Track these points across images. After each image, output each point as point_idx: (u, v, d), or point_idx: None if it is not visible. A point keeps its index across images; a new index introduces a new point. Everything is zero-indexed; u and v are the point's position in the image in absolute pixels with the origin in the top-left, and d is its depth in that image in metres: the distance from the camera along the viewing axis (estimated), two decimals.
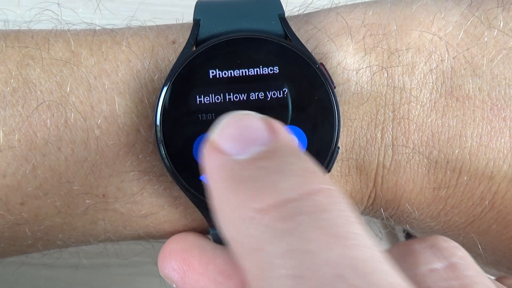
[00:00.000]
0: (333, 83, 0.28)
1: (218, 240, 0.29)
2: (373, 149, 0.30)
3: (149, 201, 0.29)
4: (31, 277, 0.36)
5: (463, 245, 0.35)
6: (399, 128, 0.30)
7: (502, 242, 0.32)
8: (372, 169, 0.30)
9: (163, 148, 0.27)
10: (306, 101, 0.27)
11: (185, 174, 0.27)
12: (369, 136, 0.30)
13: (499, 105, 0.29)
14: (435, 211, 0.32)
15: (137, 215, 0.29)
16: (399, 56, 0.30)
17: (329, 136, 0.28)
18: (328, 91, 0.27)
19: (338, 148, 0.28)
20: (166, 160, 0.27)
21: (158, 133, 0.27)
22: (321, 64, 0.28)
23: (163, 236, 0.31)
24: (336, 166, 0.30)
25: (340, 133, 0.29)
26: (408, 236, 0.48)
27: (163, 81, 0.27)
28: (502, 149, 0.29)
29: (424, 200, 0.31)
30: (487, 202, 0.31)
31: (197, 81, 0.27)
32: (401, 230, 0.48)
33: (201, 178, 0.27)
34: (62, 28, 0.29)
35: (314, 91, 0.27)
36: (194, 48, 0.28)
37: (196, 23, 0.28)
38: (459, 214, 0.32)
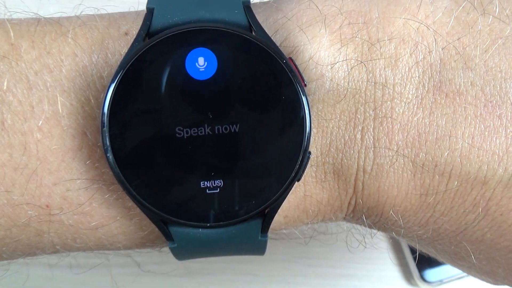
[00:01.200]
0: (303, 80, 0.24)
1: (178, 254, 0.27)
2: (352, 151, 0.27)
3: (99, 212, 0.26)
4: (31, 277, 0.34)
5: (455, 254, 0.32)
6: (381, 128, 0.27)
7: (498, 252, 0.29)
8: (352, 174, 0.27)
9: (111, 154, 0.24)
10: (272, 101, 0.24)
11: (137, 184, 0.24)
12: (347, 137, 0.27)
13: (494, 101, 0.26)
14: (423, 219, 0.29)
15: (86, 227, 0.26)
16: (380, 48, 0.26)
17: (298, 140, 0.24)
18: (297, 90, 0.24)
19: (309, 153, 0.25)
20: (114, 168, 0.24)
21: (105, 137, 0.24)
22: (290, 58, 0.25)
23: (119, 249, 0.28)
24: (310, 171, 0.27)
25: (312, 136, 0.26)
26: (414, 251, 0.45)
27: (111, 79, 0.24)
28: (497, 151, 0.26)
29: (410, 207, 0.28)
30: (480, 209, 0.27)
31: (148, 78, 0.24)
32: (414, 262, 0.45)
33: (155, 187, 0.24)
34: (2, 17, 0.26)
35: (281, 90, 0.24)
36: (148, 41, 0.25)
37: (150, 12, 0.25)
38: (450, 222, 0.28)
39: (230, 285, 0.44)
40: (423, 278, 0.46)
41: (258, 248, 0.27)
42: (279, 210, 0.28)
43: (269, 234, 0.30)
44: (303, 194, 0.28)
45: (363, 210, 0.29)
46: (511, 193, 0.27)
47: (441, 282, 0.47)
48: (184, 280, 0.43)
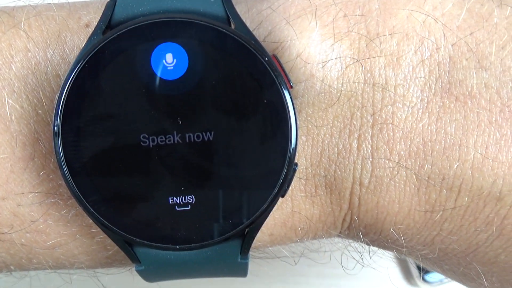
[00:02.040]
0: (288, 80, 0.21)
1: (146, 277, 0.23)
2: (347, 162, 0.23)
3: (56, 229, 0.23)
4: (31, 277, 0.31)
5: (464, 275, 0.28)
6: (380, 136, 0.23)
7: None
8: (346, 188, 0.24)
9: (65, 166, 0.21)
10: (252, 105, 0.21)
11: (95, 200, 0.21)
12: (341, 146, 0.23)
13: None
14: (428, 238, 0.25)
15: (42, 247, 0.23)
16: (380, 44, 0.23)
17: (282, 150, 0.21)
18: (281, 92, 0.21)
19: (296, 165, 0.22)
20: (69, 182, 0.21)
21: (58, 147, 0.21)
22: (273, 56, 0.21)
23: (83, 268, 0.25)
24: (299, 185, 0.24)
25: (300, 145, 0.23)
26: (421, 268, 0.43)
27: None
28: None
29: (413, 225, 0.25)
30: (494, 228, 0.24)
31: (107, 78, 0.20)
32: (414, 262, 0.44)
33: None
34: None
35: (262, 92, 0.21)
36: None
37: (112, 1, 0.22)
38: (459, 242, 0.25)
39: (230, 285, 0.43)
40: (423, 278, 0.44)
41: (238, 270, 0.24)
42: (263, 228, 0.24)
43: (253, 253, 0.27)
44: (291, 210, 0.24)
45: (359, 228, 0.26)
46: None
47: (441, 282, 0.45)
48: (184, 280, 0.42)
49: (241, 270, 0.24)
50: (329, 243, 0.30)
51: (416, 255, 0.27)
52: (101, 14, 0.22)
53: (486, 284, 0.27)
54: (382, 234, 0.26)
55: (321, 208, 0.25)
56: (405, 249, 0.27)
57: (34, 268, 0.25)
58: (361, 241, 0.27)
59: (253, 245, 0.25)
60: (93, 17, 0.23)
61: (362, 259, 0.29)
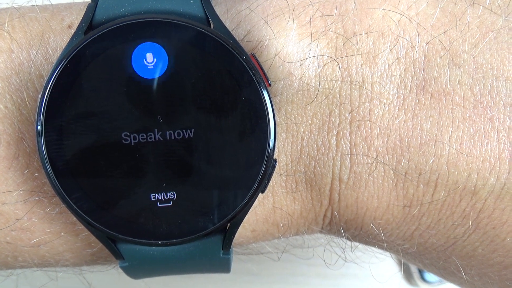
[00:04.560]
0: (266, 79, 0.22)
1: (131, 273, 0.24)
2: (326, 159, 0.24)
3: (40, 227, 0.23)
4: (32, 277, 0.31)
5: (444, 269, 0.29)
6: (358, 132, 0.24)
7: (491, 268, 0.26)
8: (326, 184, 0.24)
9: (48, 164, 0.21)
10: (230, 103, 0.21)
11: (78, 197, 0.21)
12: (320, 143, 0.24)
13: (485, 102, 0.23)
14: (407, 232, 0.26)
15: (27, 245, 0.23)
16: (357, 42, 0.23)
17: (261, 146, 0.22)
18: (259, 90, 0.21)
19: (275, 161, 0.22)
20: (52, 179, 0.21)
21: (41, 146, 0.21)
22: (251, 55, 0.22)
23: (68, 266, 0.25)
24: (280, 181, 0.24)
25: (281, 142, 0.23)
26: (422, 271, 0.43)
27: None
28: (488, 157, 0.23)
29: (392, 220, 0.25)
30: (470, 222, 0.25)
31: (88, 77, 0.21)
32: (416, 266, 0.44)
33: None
34: None
35: (241, 90, 0.21)
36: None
37: (94, 2, 0.22)
38: (437, 236, 0.26)
39: (230, 285, 0.43)
40: (423, 278, 0.44)
41: (221, 266, 0.24)
42: (245, 224, 0.25)
43: (237, 249, 0.28)
44: (272, 206, 0.25)
45: (340, 223, 0.26)
46: (504, 204, 0.24)
47: (441, 282, 0.45)
48: (183, 280, 0.42)
49: (223, 266, 0.24)
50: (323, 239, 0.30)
51: (396, 249, 0.28)
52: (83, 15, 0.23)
53: (465, 277, 0.28)
54: (363, 229, 0.26)
55: (302, 204, 0.25)
56: (385, 244, 0.27)
57: (20, 266, 0.25)
58: (343, 237, 0.28)
59: (236, 241, 0.26)
60: (76, 18, 0.23)
61: (345, 254, 0.29)
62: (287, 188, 0.25)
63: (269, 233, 0.26)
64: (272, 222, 0.25)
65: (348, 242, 0.29)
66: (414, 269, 0.44)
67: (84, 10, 0.23)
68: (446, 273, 0.29)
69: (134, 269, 0.23)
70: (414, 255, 0.28)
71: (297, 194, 0.25)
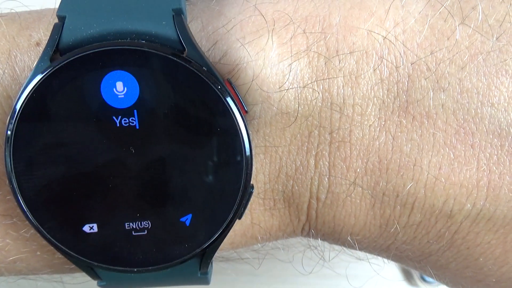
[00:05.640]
0: (243, 106, 0.21)
1: None
2: (304, 178, 0.24)
3: (15, 247, 0.23)
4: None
5: (421, 272, 0.30)
6: (337, 153, 0.23)
7: (464, 280, 0.27)
8: (304, 202, 0.24)
9: (18, 193, 0.21)
10: (204, 134, 0.21)
11: (51, 226, 0.21)
12: (299, 163, 0.23)
13: (467, 128, 0.23)
14: (383, 245, 0.26)
15: (2, 262, 0.23)
16: (339, 62, 0.22)
17: (237, 176, 0.21)
18: (234, 120, 0.20)
19: (252, 187, 0.22)
20: (23, 208, 0.21)
21: (11, 177, 0.20)
22: (227, 81, 0.21)
23: (48, 274, 0.25)
24: (257, 199, 0.24)
25: (259, 162, 0.23)
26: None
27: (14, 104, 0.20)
28: (466, 184, 0.23)
29: (369, 235, 0.25)
30: (445, 241, 0.25)
31: (56, 107, 0.20)
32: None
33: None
34: None
35: (215, 120, 0.21)
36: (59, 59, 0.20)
37: (60, 21, 0.21)
38: (412, 250, 0.26)
39: (230, 285, 0.43)
40: (423, 278, 0.45)
41: (199, 282, 0.25)
42: None
43: (217, 258, 0.28)
44: (250, 222, 0.25)
45: (318, 236, 0.26)
46: (479, 228, 0.24)
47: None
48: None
49: (202, 282, 0.25)
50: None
51: (373, 254, 0.28)
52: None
53: (440, 281, 0.29)
54: (340, 241, 0.26)
55: (280, 219, 0.25)
56: (363, 252, 0.28)
57: None
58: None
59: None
60: (44, 35, 0.22)
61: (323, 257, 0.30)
62: (265, 205, 0.24)
63: (247, 244, 0.26)
64: (251, 236, 0.26)
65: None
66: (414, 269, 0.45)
67: (52, 24, 0.22)
68: (424, 274, 0.30)
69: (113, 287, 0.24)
70: (393, 261, 0.28)
71: (275, 211, 0.25)
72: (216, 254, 0.28)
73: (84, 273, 0.26)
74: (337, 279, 0.42)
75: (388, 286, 0.43)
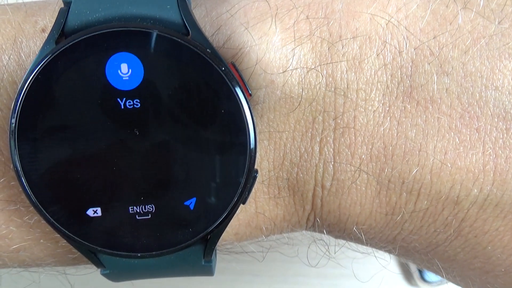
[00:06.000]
0: (247, 89, 0.21)
1: (112, 279, 0.24)
2: (309, 165, 0.24)
3: (19, 235, 0.23)
4: (32, 276, 0.32)
5: (428, 268, 0.29)
6: (342, 139, 0.23)
7: (472, 271, 0.27)
8: (309, 190, 0.24)
9: (22, 176, 0.21)
10: (209, 116, 0.21)
11: (54, 210, 0.21)
12: (303, 149, 0.23)
13: (472, 112, 0.23)
14: (390, 236, 0.26)
15: (6, 251, 0.23)
16: (342, 47, 0.23)
17: (241, 159, 0.21)
18: (238, 102, 0.21)
19: (256, 172, 0.22)
20: (28, 192, 0.21)
21: (15, 159, 0.20)
22: (231, 64, 0.21)
23: (51, 266, 0.25)
24: (262, 187, 0.24)
25: (263, 149, 0.23)
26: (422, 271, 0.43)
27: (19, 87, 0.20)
28: (472, 169, 0.23)
29: (375, 225, 0.25)
30: (452, 230, 0.24)
31: (61, 88, 0.20)
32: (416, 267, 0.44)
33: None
34: None
35: (219, 102, 0.21)
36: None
37: (66, 6, 0.21)
38: (419, 240, 0.26)
39: (230, 285, 0.43)
40: (423, 278, 0.44)
41: (203, 272, 0.24)
42: (228, 228, 0.25)
43: (221, 250, 0.28)
44: (255, 211, 0.25)
45: (323, 226, 0.26)
46: (486, 214, 0.24)
47: (441, 282, 0.45)
48: (183, 279, 0.42)
49: (206, 272, 0.24)
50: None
51: (380, 249, 0.28)
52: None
53: (447, 277, 0.28)
54: (346, 232, 0.26)
55: (284, 208, 0.25)
56: (368, 245, 0.27)
57: (2, 267, 0.25)
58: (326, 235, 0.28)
59: (218, 243, 0.26)
60: (49, 21, 0.22)
61: (328, 252, 0.30)
62: (269, 194, 0.24)
63: (252, 236, 0.26)
64: (255, 226, 0.25)
65: (351, 244, 0.29)
66: (414, 269, 0.45)
67: (57, 11, 0.22)
68: (432, 270, 0.29)
69: (116, 276, 0.23)
70: (398, 255, 0.28)
71: (280, 200, 0.25)
72: (220, 246, 0.28)
73: (86, 265, 0.26)
74: (337, 279, 0.42)
75: (388, 286, 0.43)
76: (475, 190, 0.23)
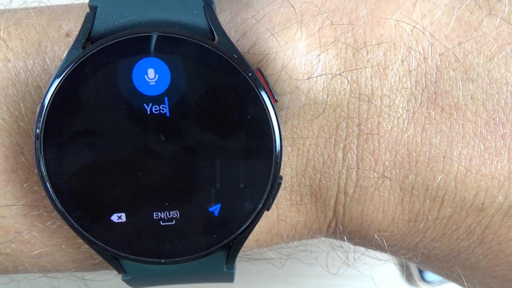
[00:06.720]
0: (273, 95, 0.21)
1: (133, 285, 0.24)
2: (332, 172, 0.23)
3: (41, 240, 0.23)
4: (32, 276, 0.32)
5: (447, 276, 0.29)
6: (366, 146, 0.23)
7: (494, 279, 0.26)
8: (331, 197, 0.24)
9: (47, 181, 0.20)
10: (235, 121, 0.21)
11: (79, 215, 0.21)
12: (326, 156, 0.23)
13: (497, 118, 0.22)
14: (411, 243, 0.26)
15: (27, 256, 0.23)
16: (367, 53, 0.22)
17: (266, 165, 0.21)
18: (264, 108, 0.20)
19: (281, 178, 0.22)
20: (52, 197, 0.21)
21: (40, 163, 0.20)
22: (257, 70, 0.21)
23: (71, 272, 0.25)
24: (284, 194, 0.24)
25: (286, 155, 0.23)
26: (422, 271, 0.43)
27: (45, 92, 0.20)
28: (497, 176, 0.23)
29: (397, 232, 0.25)
30: (475, 237, 0.24)
31: (88, 93, 0.20)
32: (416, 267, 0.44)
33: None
34: None
35: (246, 108, 0.20)
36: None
37: (92, 11, 0.21)
38: (441, 248, 0.25)
39: (230, 285, 0.42)
40: (423, 278, 0.44)
41: (224, 279, 0.24)
42: None
43: (240, 256, 0.28)
44: (276, 218, 0.24)
45: (344, 233, 0.26)
46: (511, 221, 0.23)
47: (441, 282, 0.45)
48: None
49: (227, 278, 0.24)
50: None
51: (400, 256, 0.28)
52: (81, 23, 0.21)
53: (467, 285, 0.28)
54: (367, 239, 0.26)
55: (306, 215, 0.25)
56: (388, 252, 0.27)
57: (22, 273, 0.25)
58: (345, 242, 0.28)
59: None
60: (74, 26, 0.22)
61: (347, 260, 0.29)
62: (291, 200, 0.24)
63: (273, 242, 0.26)
64: (276, 232, 0.25)
65: (351, 246, 0.29)
66: (414, 269, 0.44)
67: (83, 16, 0.22)
68: (449, 279, 0.29)
69: (137, 282, 0.23)
70: (418, 263, 0.28)
71: (302, 206, 0.24)
72: (240, 253, 0.28)
73: (106, 271, 0.26)
74: (337, 279, 0.42)
75: (387, 286, 0.43)
76: (500, 197, 0.23)
